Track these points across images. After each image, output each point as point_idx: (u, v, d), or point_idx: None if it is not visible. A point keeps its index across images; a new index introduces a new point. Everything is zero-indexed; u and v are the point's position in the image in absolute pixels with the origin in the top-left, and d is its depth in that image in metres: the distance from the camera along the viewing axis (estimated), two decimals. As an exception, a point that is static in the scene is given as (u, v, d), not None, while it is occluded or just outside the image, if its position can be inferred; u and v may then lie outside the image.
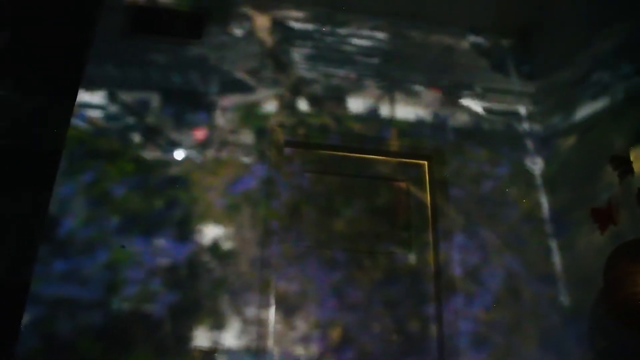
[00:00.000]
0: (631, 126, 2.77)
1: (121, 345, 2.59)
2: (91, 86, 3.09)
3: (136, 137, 3.03)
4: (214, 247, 2.86)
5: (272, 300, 2.83)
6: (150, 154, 3.00)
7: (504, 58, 3.78)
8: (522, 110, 3.63)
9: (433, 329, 3.00)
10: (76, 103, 3.03)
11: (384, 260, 3.11)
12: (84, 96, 3.05)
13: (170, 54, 3.29)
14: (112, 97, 3.09)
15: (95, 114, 3.03)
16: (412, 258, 3.15)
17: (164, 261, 2.77)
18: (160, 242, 2.81)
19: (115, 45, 3.26)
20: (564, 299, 3.14)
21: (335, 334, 2.88)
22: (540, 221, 3.32)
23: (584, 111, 3.18)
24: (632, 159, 2.72)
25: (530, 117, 3.62)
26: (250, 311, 2.77)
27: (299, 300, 2.91)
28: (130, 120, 3.06)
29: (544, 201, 3.38)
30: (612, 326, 2.71)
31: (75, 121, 2.99)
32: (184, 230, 2.85)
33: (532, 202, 3.36)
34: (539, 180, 3.43)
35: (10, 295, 2.94)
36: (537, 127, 3.59)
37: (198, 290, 2.76)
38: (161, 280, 2.73)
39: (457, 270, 3.08)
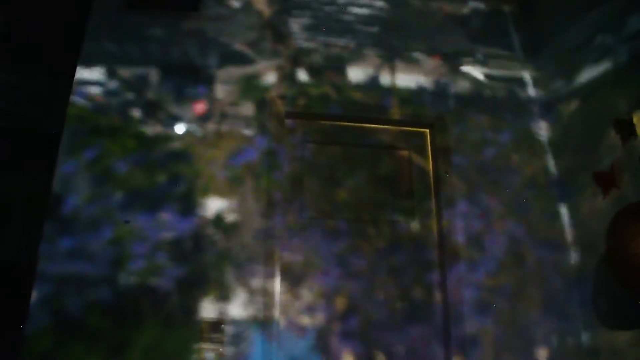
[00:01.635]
0: (635, 89, 2.75)
1: (130, 319, 2.62)
2: (89, 63, 3.06)
3: (136, 113, 3.01)
4: (218, 220, 2.87)
5: (277, 271, 2.85)
6: (151, 129, 2.99)
7: (504, 23, 3.73)
8: (524, 75, 3.59)
9: (437, 295, 3.03)
10: (75, 80, 3.00)
11: (387, 229, 3.12)
12: (82, 73, 3.03)
13: (168, 28, 3.25)
14: (111, 73, 3.06)
15: (94, 90, 3.01)
16: (415, 226, 3.16)
17: (168, 235, 2.79)
18: (164, 216, 2.82)
19: (112, 20, 3.21)
20: (568, 263, 3.15)
21: (340, 302, 2.92)
22: (544, 186, 3.31)
23: (587, 75, 3.15)
24: (635, 122, 2.71)
25: (532, 82, 3.58)
26: (256, 282, 2.79)
27: (303, 270, 2.94)
28: (130, 95, 3.05)
29: (548, 166, 3.37)
30: (616, 289, 2.73)
31: (74, 99, 2.97)
32: (188, 204, 2.86)
33: (536, 168, 3.35)
34: (542, 146, 3.42)
35: (19, 274, 2.98)
36: (539, 93, 3.55)
37: (203, 262, 2.78)
38: (166, 254, 2.75)
39: (460, 237, 3.09)
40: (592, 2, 3.14)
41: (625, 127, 2.76)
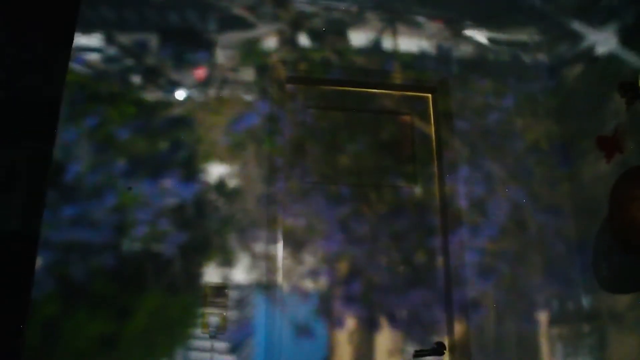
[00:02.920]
0: (640, 51, 2.72)
1: (134, 285, 2.64)
2: (87, 29, 3.02)
3: (136, 79, 2.98)
4: (220, 186, 2.87)
5: (280, 236, 2.86)
6: (152, 95, 2.96)
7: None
8: (528, 39, 3.54)
9: (439, 260, 3.04)
10: (73, 47, 2.97)
11: (389, 194, 3.12)
12: (80, 39, 2.99)
13: (166, -8, 3.21)
14: (109, 39, 3.02)
15: (93, 57, 2.98)
16: (417, 191, 3.16)
17: (171, 201, 2.79)
18: (167, 182, 2.82)
19: (110, -15, 3.17)
20: (570, 229, 3.16)
21: (342, 267, 2.93)
22: (547, 152, 3.30)
23: (592, 38, 3.11)
24: (640, 84, 2.69)
25: (536, 46, 3.53)
26: (259, 247, 2.81)
27: (306, 235, 2.94)
28: (130, 62, 3.01)
29: (551, 132, 3.35)
30: (617, 254, 2.74)
31: (73, 65, 2.93)
32: (190, 170, 2.86)
33: (539, 133, 3.34)
34: (545, 111, 3.39)
35: (23, 242, 2.99)
36: (543, 57, 3.51)
37: (206, 228, 2.79)
38: (169, 220, 2.76)
39: (462, 202, 3.09)
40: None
41: (630, 90, 2.74)
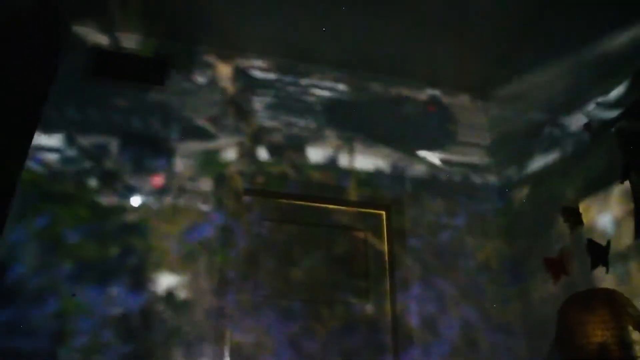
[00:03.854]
0: (580, 179, 2.86)
1: (68, 399, 2.48)
2: (49, 129, 3.04)
3: (93, 182, 2.97)
4: (169, 297, 2.79)
5: (227, 352, 2.77)
6: (107, 199, 2.95)
7: (460, 111, 3.89)
8: (478, 161, 3.72)
9: (391, 381, 2.98)
10: (32, 145, 2.97)
11: (341, 310, 3.08)
12: (40, 139, 3.00)
13: (132, 98, 3.28)
14: (70, 140, 3.04)
15: (51, 157, 2.98)
16: (369, 308, 3.13)
17: (116, 310, 2.70)
18: (114, 290, 2.73)
19: (76, 88, 3.23)
20: (521, 348, 3.16)
21: (291, 386, 2.84)
22: (497, 271, 3.36)
23: (536, 163, 3.28)
24: (581, 210, 2.81)
25: (486, 168, 3.71)
26: (205, 363, 2.70)
27: (254, 351, 2.85)
28: (88, 164, 3.02)
29: (501, 251, 3.43)
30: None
31: (30, 164, 2.92)
32: (139, 279, 2.79)
33: (489, 252, 3.41)
34: (495, 231, 3.49)
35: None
36: (492, 178, 3.68)
37: (151, 340, 2.68)
38: (113, 331, 2.65)
39: (414, 321, 3.08)
40: (540, 94, 3.31)
41: (572, 215, 2.85)
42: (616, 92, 2.66)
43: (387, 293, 3.20)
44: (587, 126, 2.82)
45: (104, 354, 2.60)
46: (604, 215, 2.66)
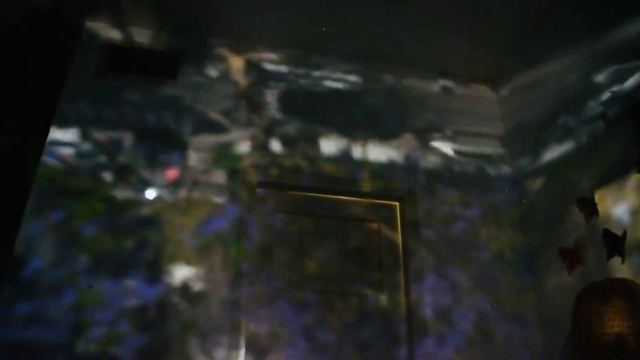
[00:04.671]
0: (595, 169, 2.84)
1: (85, 389, 2.51)
2: (64, 124, 3.07)
3: (108, 176, 3.00)
4: (184, 288, 2.82)
5: (243, 343, 2.79)
6: (122, 193, 2.98)
7: (473, 102, 3.87)
8: (492, 152, 3.71)
9: (405, 372, 2.98)
10: (47, 140, 3.00)
11: (355, 302, 3.09)
12: (56, 134, 3.03)
13: (145, 93, 3.30)
14: (84, 135, 3.07)
15: (67, 151, 3.01)
16: (383, 299, 3.14)
17: (132, 302, 2.72)
18: (130, 282, 2.76)
19: (90, 83, 3.26)
20: (535, 339, 3.15)
21: (306, 377, 2.85)
22: (511, 262, 3.35)
23: (551, 153, 3.26)
24: (596, 200, 2.79)
25: (499, 159, 3.69)
26: (220, 353, 2.72)
27: (269, 342, 2.87)
28: (103, 158, 3.05)
29: (514, 242, 3.42)
30: (582, 367, 2.72)
31: (46, 159, 2.95)
32: (154, 271, 2.82)
33: (503, 243, 3.40)
34: (509, 221, 3.48)
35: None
36: (506, 169, 3.66)
37: (167, 332, 2.71)
38: (129, 322, 2.67)
39: (428, 312, 3.08)
40: (554, 84, 3.29)
41: (587, 206, 2.84)
42: (632, 81, 2.63)
43: (401, 284, 3.20)
44: (602, 115, 2.79)
45: (121, 344, 2.62)
46: (619, 205, 2.65)
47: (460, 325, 3.10)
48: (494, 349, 3.09)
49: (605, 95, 2.80)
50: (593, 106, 2.90)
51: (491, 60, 3.76)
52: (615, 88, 2.75)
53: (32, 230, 2.76)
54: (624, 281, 2.47)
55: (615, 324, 2.34)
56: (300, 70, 3.65)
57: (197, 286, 2.84)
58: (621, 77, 2.71)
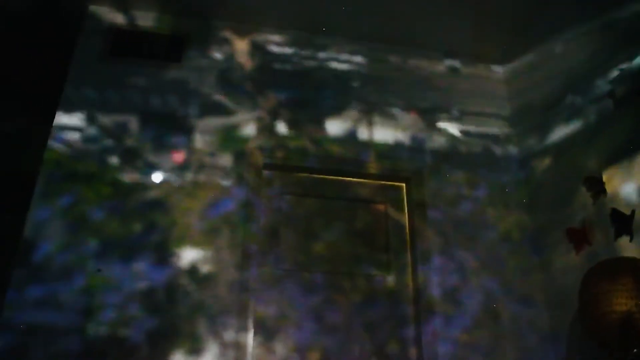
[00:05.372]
0: (603, 148, 2.83)
1: (98, 371, 2.54)
2: (69, 108, 3.07)
3: (114, 160, 3.01)
4: (192, 271, 2.84)
5: (251, 324, 2.81)
6: (128, 176, 2.98)
7: (480, 82, 3.84)
8: (499, 132, 3.69)
9: (412, 351, 3.00)
10: (54, 125, 3.00)
11: (363, 283, 3.10)
12: (62, 118, 3.03)
13: (150, 77, 3.29)
14: (90, 120, 3.07)
15: (73, 136, 3.01)
16: (391, 280, 3.15)
17: (141, 285, 2.74)
18: (138, 265, 2.78)
19: (95, 67, 3.25)
20: (543, 319, 3.16)
21: (314, 357, 2.87)
22: (518, 242, 3.35)
23: (558, 133, 3.24)
24: (604, 180, 2.78)
25: (506, 139, 3.67)
26: (229, 335, 2.74)
27: (277, 323, 2.89)
28: (109, 142, 3.05)
29: (522, 222, 3.42)
30: (590, 347, 2.73)
31: (52, 143, 2.96)
32: (163, 254, 2.83)
33: (510, 223, 3.40)
34: (516, 202, 3.47)
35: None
36: (513, 149, 3.65)
37: (176, 314, 2.73)
38: (139, 305, 2.70)
39: (435, 292, 3.09)
40: (563, 64, 3.26)
41: (595, 185, 2.83)
42: (641, 59, 2.61)
43: (409, 265, 3.21)
44: (610, 94, 2.77)
45: (131, 327, 2.65)
46: (627, 185, 2.64)
47: (468, 306, 3.11)
48: (502, 329, 3.10)
49: (614, 73, 2.78)
50: (601, 84, 2.87)
51: (497, 40, 3.71)
52: (623, 66, 2.72)
53: (41, 215, 2.78)
54: (632, 260, 2.47)
55: (623, 302, 2.35)
56: (306, 52, 3.62)
57: (205, 268, 2.86)
58: (630, 55, 2.68)
